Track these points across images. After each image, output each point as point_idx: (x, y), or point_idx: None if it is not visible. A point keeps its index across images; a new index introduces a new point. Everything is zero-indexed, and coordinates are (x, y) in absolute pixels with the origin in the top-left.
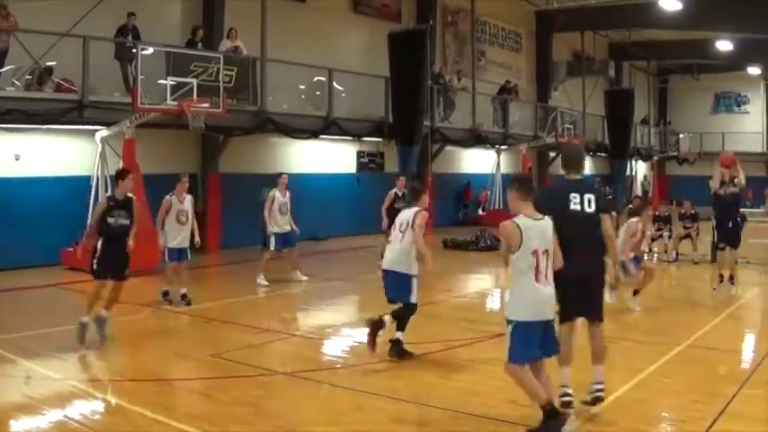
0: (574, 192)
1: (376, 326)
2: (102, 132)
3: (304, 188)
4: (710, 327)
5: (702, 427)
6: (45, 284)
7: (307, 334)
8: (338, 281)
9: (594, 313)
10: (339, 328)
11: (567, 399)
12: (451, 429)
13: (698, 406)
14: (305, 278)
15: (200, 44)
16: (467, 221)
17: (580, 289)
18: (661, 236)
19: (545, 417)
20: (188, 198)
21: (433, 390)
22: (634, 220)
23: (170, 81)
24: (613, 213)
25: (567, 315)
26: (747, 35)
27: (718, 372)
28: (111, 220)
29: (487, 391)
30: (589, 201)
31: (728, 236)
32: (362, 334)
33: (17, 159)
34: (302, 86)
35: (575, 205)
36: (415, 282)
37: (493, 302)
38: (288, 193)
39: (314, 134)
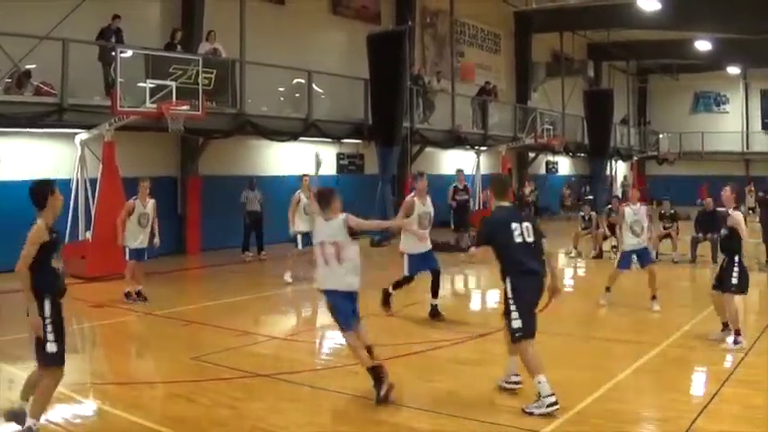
0: (514, 222)
1: (385, 294)
2: (82, 135)
3: (284, 190)
4: (690, 326)
5: (681, 426)
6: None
7: (288, 336)
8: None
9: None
10: (320, 330)
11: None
12: (431, 430)
13: (677, 405)
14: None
15: (179, 47)
16: (446, 223)
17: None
18: None
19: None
20: (151, 202)
21: (414, 390)
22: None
23: (149, 84)
24: (593, 214)
25: (530, 333)
26: (726, 35)
27: (698, 370)
28: (56, 264)
29: (467, 392)
30: (527, 230)
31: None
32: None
33: None
34: (281, 88)
35: (518, 237)
36: (405, 257)
37: (474, 304)
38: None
39: (293, 136)
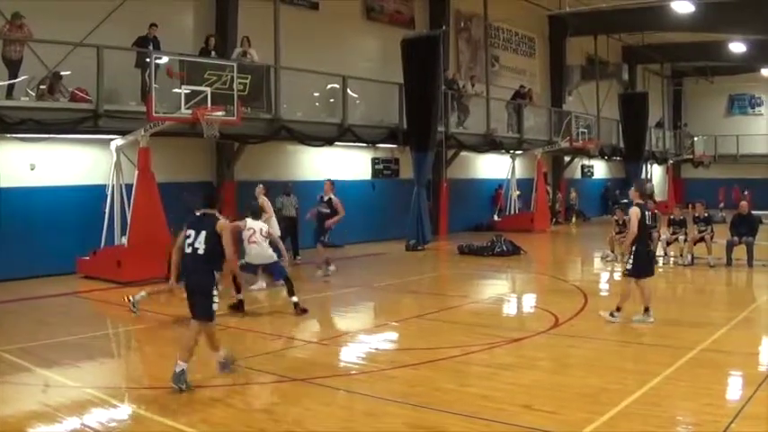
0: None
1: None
2: (117, 141)
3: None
4: (726, 329)
5: (716, 430)
6: (61, 293)
7: (323, 341)
8: (354, 287)
9: None
10: (355, 334)
11: None
12: None
13: (712, 409)
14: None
15: (213, 52)
16: (481, 227)
17: None
18: (676, 239)
19: None
20: None
21: (449, 395)
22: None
23: (184, 90)
24: (627, 217)
25: None
26: (760, 37)
27: (734, 374)
28: None
29: (502, 397)
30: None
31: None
32: (378, 341)
33: (32, 169)
34: (316, 94)
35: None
36: None
37: (509, 308)
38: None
39: (328, 141)
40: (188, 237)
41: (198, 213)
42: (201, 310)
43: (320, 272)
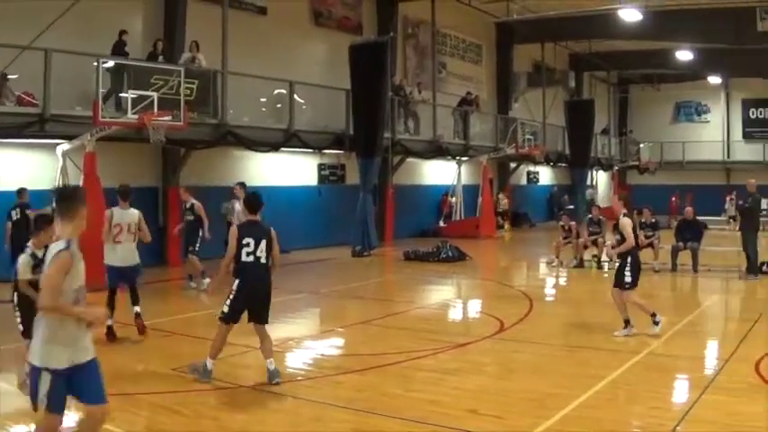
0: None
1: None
2: (64, 146)
3: (266, 201)
4: (671, 334)
5: None
6: None
7: None
8: (300, 294)
9: None
10: (301, 340)
11: None
12: None
13: (658, 412)
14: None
15: (161, 57)
16: (427, 233)
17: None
18: None
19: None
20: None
21: (395, 401)
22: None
23: (131, 94)
24: (572, 223)
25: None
26: (707, 45)
27: (680, 378)
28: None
29: (448, 402)
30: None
31: None
32: (325, 346)
33: None
34: (263, 99)
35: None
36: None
37: (455, 313)
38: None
39: (275, 147)
40: (246, 245)
41: (249, 220)
42: (268, 315)
43: (193, 284)
